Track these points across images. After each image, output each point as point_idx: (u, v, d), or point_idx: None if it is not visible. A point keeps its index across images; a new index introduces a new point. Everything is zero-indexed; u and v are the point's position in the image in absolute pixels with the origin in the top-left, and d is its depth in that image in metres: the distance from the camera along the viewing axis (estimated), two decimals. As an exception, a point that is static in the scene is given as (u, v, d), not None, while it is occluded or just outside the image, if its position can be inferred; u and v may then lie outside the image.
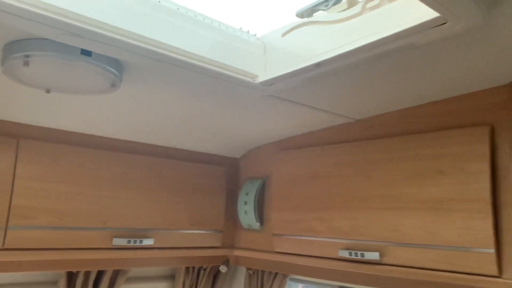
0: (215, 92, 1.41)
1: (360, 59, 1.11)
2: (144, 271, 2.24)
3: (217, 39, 1.22)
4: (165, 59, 1.13)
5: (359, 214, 1.67)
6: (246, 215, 2.11)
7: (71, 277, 1.90)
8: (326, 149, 1.86)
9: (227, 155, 2.29)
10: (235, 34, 1.27)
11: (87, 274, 1.92)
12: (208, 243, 2.13)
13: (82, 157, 1.74)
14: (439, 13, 0.89)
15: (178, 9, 1.15)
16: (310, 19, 1.21)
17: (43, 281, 1.88)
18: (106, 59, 1.15)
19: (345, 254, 1.67)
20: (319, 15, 1.25)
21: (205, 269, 2.35)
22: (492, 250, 1.31)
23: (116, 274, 2.04)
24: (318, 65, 1.14)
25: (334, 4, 1.23)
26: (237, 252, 2.21)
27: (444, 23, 0.92)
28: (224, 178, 2.21)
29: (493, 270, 1.31)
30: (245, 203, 2.11)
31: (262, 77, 1.27)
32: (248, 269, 2.31)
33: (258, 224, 2.09)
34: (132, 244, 1.83)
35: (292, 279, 2.26)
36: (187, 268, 2.28)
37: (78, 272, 1.88)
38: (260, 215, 2.11)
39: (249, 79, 1.27)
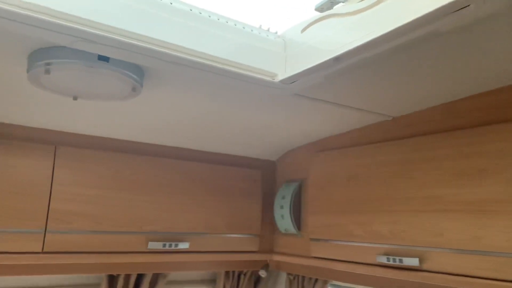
0: (237, 94, 1.38)
1: (383, 51, 1.03)
2: (185, 275, 2.26)
3: (233, 39, 1.20)
4: (180, 61, 1.12)
5: (398, 217, 1.58)
6: (283, 219, 2.06)
7: (112, 280, 1.95)
8: (362, 150, 1.78)
9: (263, 158, 2.25)
10: (252, 32, 1.24)
11: (127, 277, 1.96)
12: (245, 247, 2.10)
13: (117, 163, 1.78)
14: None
15: (191, 10, 1.14)
16: (329, 12, 1.15)
17: (84, 284, 1.94)
18: (124, 64, 1.16)
19: (383, 259, 1.58)
20: (338, 7, 1.19)
21: (245, 274, 2.33)
22: (544, 257, 1.18)
23: (156, 278, 2.06)
24: (337, 59, 1.08)
25: (354, -6, 1.17)
26: (276, 257, 2.17)
27: (466, 6, 0.83)
28: (260, 181, 2.18)
29: (546, 278, 1.18)
30: (281, 207, 2.06)
31: (281, 75, 1.23)
32: (288, 274, 2.26)
33: (296, 228, 2.03)
34: (167, 248, 1.84)
35: (332, 285, 2.18)
36: (227, 273, 2.27)
37: (118, 275, 1.92)
38: (298, 219, 2.06)
39: (269, 78, 1.23)
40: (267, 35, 1.27)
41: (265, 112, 1.58)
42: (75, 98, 1.32)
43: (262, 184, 2.19)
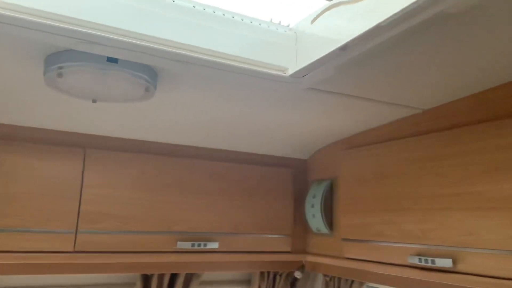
0: (250, 91, 1.35)
1: (389, 38, 0.97)
2: (219, 275, 2.25)
3: (241, 35, 1.17)
4: (185, 59, 1.11)
5: (430, 216, 1.48)
6: (314, 218, 2.01)
7: (146, 280, 1.98)
8: (392, 145, 1.69)
9: (293, 157, 2.21)
10: (260, 27, 1.21)
11: (161, 277, 1.99)
12: (276, 247, 2.06)
13: (144, 164, 1.81)
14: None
15: (194, 7, 1.13)
16: (338, 0, 1.10)
17: (118, 283, 1.99)
18: (134, 65, 1.17)
19: (414, 260, 1.49)
20: (348, -6, 1.13)
21: (280, 275, 2.29)
22: None
23: (190, 278, 2.07)
24: (343, 48, 1.02)
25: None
26: (310, 258, 2.11)
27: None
28: (291, 180, 2.14)
29: None
30: (312, 206, 2.01)
31: (292, 69, 1.19)
32: (324, 275, 2.20)
33: (327, 228, 1.97)
34: (196, 247, 1.84)
35: (369, 287, 2.10)
36: (262, 274, 2.24)
37: (152, 275, 1.96)
38: (330, 219, 1.99)
39: (279, 73, 1.20)
40: (277, 29, 1.24)
41: (281, 109, 1.54)
42: (94, 101, 1.35)
43: (294, 183, 2.15)
